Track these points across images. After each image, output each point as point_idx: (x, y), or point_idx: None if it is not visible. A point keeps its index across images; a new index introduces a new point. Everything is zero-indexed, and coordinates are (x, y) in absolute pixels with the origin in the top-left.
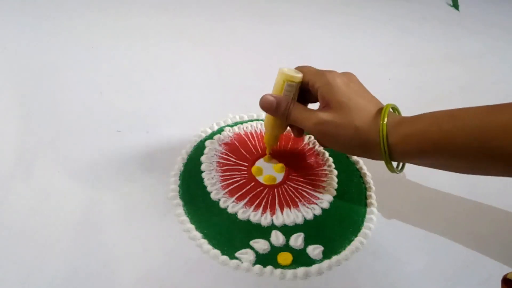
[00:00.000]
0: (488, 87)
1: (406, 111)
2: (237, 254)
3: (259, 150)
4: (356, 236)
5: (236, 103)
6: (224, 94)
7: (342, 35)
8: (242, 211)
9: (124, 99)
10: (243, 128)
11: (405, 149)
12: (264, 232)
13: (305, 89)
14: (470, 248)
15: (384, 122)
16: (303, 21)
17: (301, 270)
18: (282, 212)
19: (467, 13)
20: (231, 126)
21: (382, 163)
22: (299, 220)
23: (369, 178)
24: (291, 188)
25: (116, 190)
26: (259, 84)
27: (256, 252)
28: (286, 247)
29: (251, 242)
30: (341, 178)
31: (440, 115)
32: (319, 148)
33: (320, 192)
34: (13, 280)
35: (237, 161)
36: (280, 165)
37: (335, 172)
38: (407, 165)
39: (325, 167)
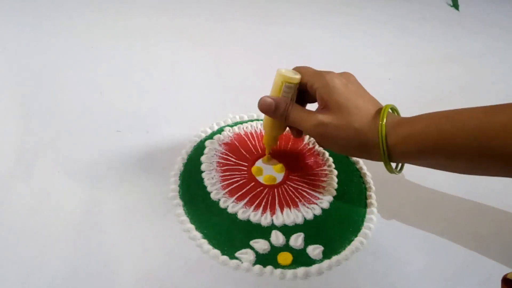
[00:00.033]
0: (488, 87)
1: (406, 111)
2: (237, 254)
3: (259, 150)
4: (356, 236)
5: (236, 103)
6: (224, 94)
7: (342, 35)
8: (242, 211)
9: (124, 99)
10: (243, 128)
11: (404, 150)
12: (264, 232)
13: (303, 90)
14: (470, 248)
15: (383, 123)
16: (303, 21)
17: (301, 270)
18: (282, 212)
19: (467, 13)
20: (231, 126)
21: (382, 163)
22: (299, 220)
23: (369, 178)
24: (291, 188)
25: (116, 190)
26: (259, 84)
27: (256, 252)
28: (286, 247)
29: (251, 242)
30: (341, 178)
31: (439, 115)
32: (319, 148)
33: (320, 192)
34: (13, 280)
35: (237, 161)
36: (280, 165)
37: (335, 172)
38: (407, 165)
39: (325, 167)
